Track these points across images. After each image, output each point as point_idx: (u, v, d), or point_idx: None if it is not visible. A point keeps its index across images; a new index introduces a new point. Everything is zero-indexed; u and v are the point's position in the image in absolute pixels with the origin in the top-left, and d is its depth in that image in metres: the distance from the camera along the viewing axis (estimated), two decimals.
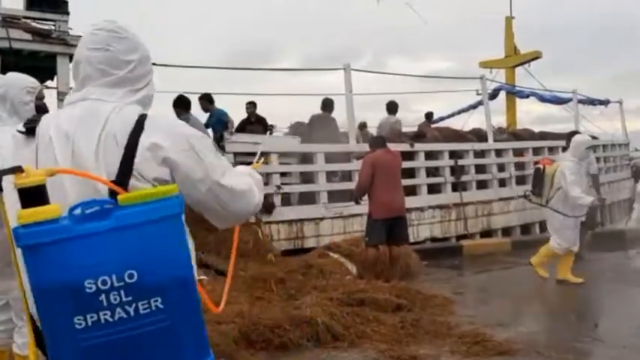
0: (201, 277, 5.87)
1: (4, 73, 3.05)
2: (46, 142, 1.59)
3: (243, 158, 8.55)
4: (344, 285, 6.04)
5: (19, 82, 2.86)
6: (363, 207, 7.45)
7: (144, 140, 1.56)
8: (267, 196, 8.60)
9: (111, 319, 1.32)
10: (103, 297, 1.32)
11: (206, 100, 9.34)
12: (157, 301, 1.36)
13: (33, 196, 1.34)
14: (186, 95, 8.52)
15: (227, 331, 4.41)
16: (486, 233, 10.87)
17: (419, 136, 11.15)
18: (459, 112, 18.38)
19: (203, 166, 1.65)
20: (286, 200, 8.96)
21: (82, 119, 1.60)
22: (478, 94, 15.02)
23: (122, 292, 1.32)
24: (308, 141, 9.45)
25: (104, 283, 1.32)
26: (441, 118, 18.31)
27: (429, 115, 12.37)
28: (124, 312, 1.33)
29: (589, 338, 4.82)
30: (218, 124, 9.29)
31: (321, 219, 8.86)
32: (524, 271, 7.86)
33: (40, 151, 1.60)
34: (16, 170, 1.35)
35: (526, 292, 6.65)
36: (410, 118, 11.97)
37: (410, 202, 9.56)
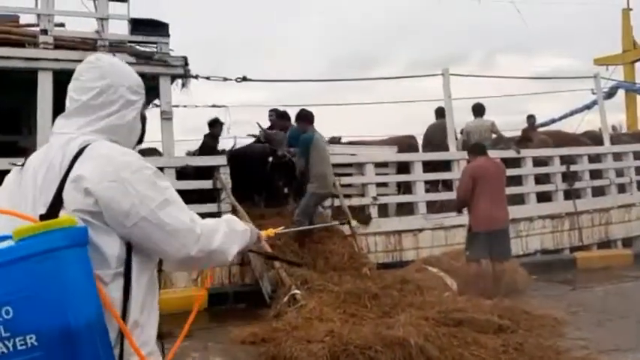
0: (295, 291, 5.83)
1: None
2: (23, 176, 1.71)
3: (338, 169, 8.50)
4: (442, 302, 5.71)
5: None
6: (466, 217, 7.06)
7: (73, 171, 1.60)
8: (363, 208, 8.48)
9: None
10: None
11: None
12: (31, 338, 1.38)
13: None
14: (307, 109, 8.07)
15: (316, 350, 4.30)
16: (604, 244, 9.99)
17: (523, 140, 10.47)
18: (572, 114, 17.19)
19: (130, 199, 1.59)
20: (383, 211, 8.75)
21: (43, 153, 1.71)
22: (593, 93, 13.96)
23: (1, 328, 1.37)
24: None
25: None
26: (553, 120, 17.24)
27: (530, 118, 11.54)
28: (4, 346, 1.37)
29: None
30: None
31: (420, 230, 8.57)
32: None
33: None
34: None
35: None
36: (516, 121, 11.26)
37: (518, 211, 9.03)
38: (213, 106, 10.57)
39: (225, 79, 8.29)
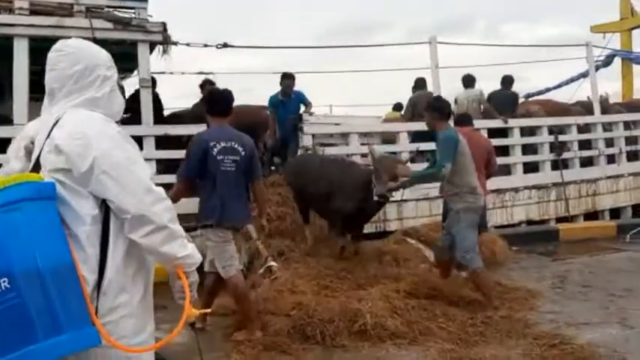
0: (272, 263, 5.81)
1: None
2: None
3: (322, 140, 8.43)
4: (417, 275, 5.72)
5: None
6: None
7: (50, 137, 1.83)
8: None
9: None
10: None
11: (292, 79, 9.09)
12: (4, 281, 1.57)
13: None
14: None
15: (281, 323, 4.30)
16: (592, 215, 9.97)
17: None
18: (568, 82, 16.96)
19: (92, 153, 1.77)
20: None
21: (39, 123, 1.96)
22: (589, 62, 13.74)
23: None
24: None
25: None
26: (548, 89, 17.04)
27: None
28: None
29: None
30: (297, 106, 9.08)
31: (405, 201, 8.51)
32: (630, 260, 7.11)
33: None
34: None
35: (628, 286, 5.92)
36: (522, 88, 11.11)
37: (503, 182, 8.99)
38: (200, 73, 10.38)
39: (206, 46, 8.12)
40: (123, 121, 8.38)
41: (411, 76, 9.73)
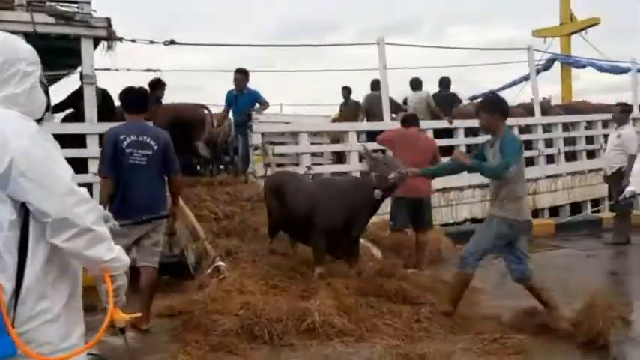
0: (219, 263, 5.77)
1: None
2: None
3: (271, 138, 8.43)
4: (365, 272, 5.78)
5: None
6: None
7: None
8: None
9: None
10: None
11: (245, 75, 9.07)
12: None
13: None
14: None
15: (229, 323, 4.28)
16: (532, 213, 10.32)
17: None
18: (510, 85, 17.54)
19: (10, 154, 1.69)
20: None
21: None
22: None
23: None
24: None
25: None
26: (491, 91, 17.52)
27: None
28: None
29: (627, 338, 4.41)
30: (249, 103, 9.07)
31: None
32: (566, 257, 7.42)
33: None
34: None
35: (565, 282, 6.18)
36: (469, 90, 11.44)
37: (448, 181, 9.20)
38: (147, 70, 10.20)
39: (152, 42, 7.99)
40: (65, 118, 8.29)
41: (361, 77, 9.93)
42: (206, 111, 8.56)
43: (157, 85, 8.72)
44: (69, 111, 8.04)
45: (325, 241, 5.59)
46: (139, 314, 2.98)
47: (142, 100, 4.85)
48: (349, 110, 10.84)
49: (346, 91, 11.14)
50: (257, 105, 8.44)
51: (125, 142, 4.54)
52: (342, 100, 11.16)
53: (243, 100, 8.59)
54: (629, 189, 6.22)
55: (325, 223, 5.52)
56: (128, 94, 4.91)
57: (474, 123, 9.84)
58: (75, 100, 8.31)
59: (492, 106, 4.78)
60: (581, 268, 6.91)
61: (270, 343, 4.22)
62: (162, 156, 4.63)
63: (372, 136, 9.57)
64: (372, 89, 10.01)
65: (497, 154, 4.58)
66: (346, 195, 5.54)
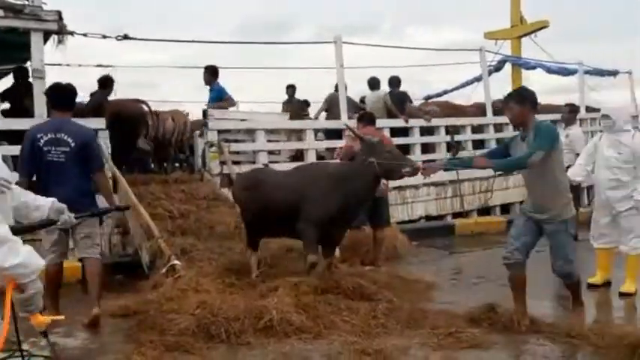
0: (175, 261, 5.68)
1: None
2: None
3: (227, 136, 8.35)
4: (322, 270, 5.80)
5: None
6: None
7: None
8: None
9: None
10: None
11: (209, 72, 9.04)
12: None
13: None
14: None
15: (185, 323, 4.22)
16: (484, 211, 10.59)
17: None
18: (464, 86, 17.86)
19: None
20: None
21: None
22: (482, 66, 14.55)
23: None
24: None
25: None
26: (445, 92, 17.85)
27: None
28: None
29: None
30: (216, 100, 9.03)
31: None
32: None
33: None
34: None
35: None
36: (414, 91, 11.59)
37: (404, 179, 9.29)
38: (98, 65, 9.97)
39: (105, 37, 7.79)
40: (6, 113, 8.02)
41: (318, 75, 9.97)
42: (145, 106, 8.54)
43: (106, 82, 8.57)
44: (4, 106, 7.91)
45: (316, 230, 5.22)
46: (61, 317, 2.91)
47: (68, 97, 4.89)
48: (293, 109, 10.88)
49: (291, 89, 11.25)
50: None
51: (42, 140, 4.60)
52: (286, 97, 11.31)
53: (210, 97, 8.85)
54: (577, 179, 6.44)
55: (318, 210, 5.16)
56: (55, 90, 4.91)
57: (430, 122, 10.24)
58: (10, 93, 8.12)
59: (523, 96, 4.57)
60: (532, 263, 7.10)
61: (228, 342, 4.19)
62: (80, 152, 4.66)
63: (330, 134, 9.65)
64: (336, 90, 10.05)
65: (530, 146, 4.40)
66: (345, 182, 5.19)
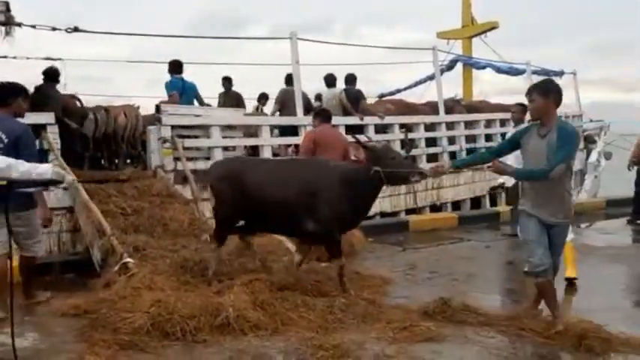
0: (127, 259, 5.57)
1: None
2: None
3: (181, 131, 8.22)
4: (279, 267, 5.81)
5: None
6: None
7: None
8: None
9: None
10: None
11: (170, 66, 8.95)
12: None
13: None
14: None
15: (139, 321, 4.15)
16: (436, 207, 10.81)
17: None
18: (416, 84, 18.18)
19: None
20: None
21: None
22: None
23: None
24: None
25: None
26: (398, 90, 18.13)
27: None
28: None
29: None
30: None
31: None
32: (471, 248, 7.82)
33: None
34: None
35: (468, 271, 6.51)
36: (368, 90, 11.68)
37: None
38: (47, 58, 9.66)
39: (54, 29, 7.56)
40: None
41: (274, 72, 9.95)
42: (77, 102, 8.44)
43: (52, 74, 8.31)
44: None
45: (337, 231, 5.16)
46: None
47: (2, 93, 4.95)
48: (230, 101, 10.60)
49: (227, 81, 10.88)
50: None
51: None
52: (223, 90, 10.96)
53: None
54: (500, 180, 6.64)
55: (333, 212, 5.01)
56: None
57: (385, 120, 10.37)
58: None
59: (547, 89, 4.30)
60: (482, 258, 7.31)
61: (183, 340, 4.13)
62: (13, 149, 4.61)
63: (285, 130, 9.65)
64: (286, 84, 10.05)
65: (552, 148, 4.17)
66: (356, 184, 5.05)
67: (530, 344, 4.22)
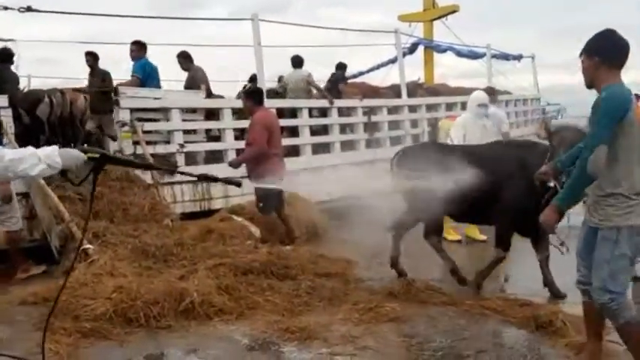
0: (87, 245, 5.43)
1: None
2: None
3: (141, 114, 8.03)
4: (243, 251, 5.76)
5: None
6: None
7: None
8: (169, 155, 8.12)
9: None
10: None
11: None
12: None
13: None
14: None
15: (100, 307, 4.06)
16: None
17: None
18: (379, 67, 18.17)
19: None
20: (191, 159, 8.48)
21: None
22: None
23: None
24: None
25: None
26: (361, 73, 18.07)
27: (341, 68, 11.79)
28: None
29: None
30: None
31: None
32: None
33: None
34: None
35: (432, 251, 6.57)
36: (329, 72, 11.54)
37: (324, 159, 9.42)
38: None
39: (6, 8, 7.24)
40: None
41: (235, 53, 9.80)
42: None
43: (5, 55, 7.93)
44: None
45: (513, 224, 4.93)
46: None
47: None
48: (95, 82, 8.19)
49: (91, 57, 8.26)
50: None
51: None
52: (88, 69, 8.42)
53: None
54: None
55: (515, 202, 4.74)
56: None
57: (348, 103, 10.39)
58: None
59: (593, 46, 3.20)
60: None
61: (147, 327, 4.08)
62: None
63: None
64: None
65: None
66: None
67: (491, 321, 4.31)
